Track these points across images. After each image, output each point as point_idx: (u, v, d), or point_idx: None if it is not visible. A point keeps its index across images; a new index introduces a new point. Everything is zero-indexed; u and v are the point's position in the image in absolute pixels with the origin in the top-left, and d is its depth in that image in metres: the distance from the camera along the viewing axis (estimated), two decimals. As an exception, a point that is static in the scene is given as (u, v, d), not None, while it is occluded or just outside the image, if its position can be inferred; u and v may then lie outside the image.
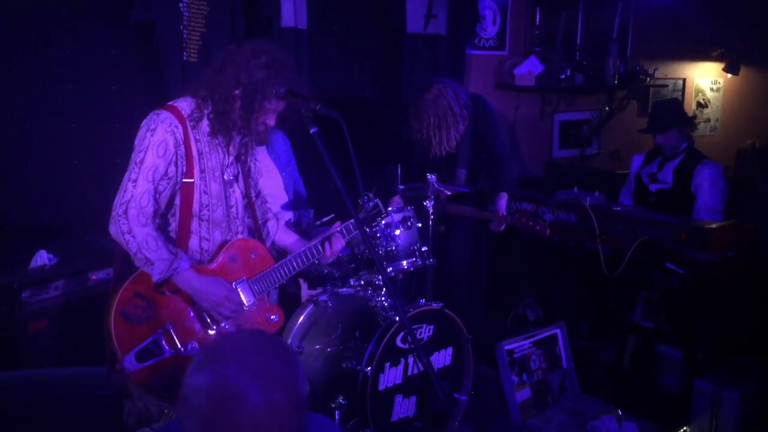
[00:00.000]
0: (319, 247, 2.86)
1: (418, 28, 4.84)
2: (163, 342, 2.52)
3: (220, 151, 2.67)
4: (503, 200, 3.98)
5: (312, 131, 2.52)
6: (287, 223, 3.61)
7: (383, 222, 3.36)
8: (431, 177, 3.64)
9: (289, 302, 3.59)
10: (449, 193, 3.78)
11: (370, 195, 3.00)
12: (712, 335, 3.70)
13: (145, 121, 2.57)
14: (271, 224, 3.00)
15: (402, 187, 3.78)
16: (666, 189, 4.25)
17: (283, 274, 2.80)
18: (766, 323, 3.61)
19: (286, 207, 3.84)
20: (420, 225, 3.53)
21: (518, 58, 5.48)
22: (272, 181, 3.80)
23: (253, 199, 2.88)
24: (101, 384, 1.96)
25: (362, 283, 3.48)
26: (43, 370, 2.16)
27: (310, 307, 3.42)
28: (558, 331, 3.80)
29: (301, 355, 3.27)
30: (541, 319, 4.56)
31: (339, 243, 2.90)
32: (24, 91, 3.46)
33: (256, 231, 2.89)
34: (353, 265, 3.53)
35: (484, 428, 3.47)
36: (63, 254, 3.31)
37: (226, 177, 2.71)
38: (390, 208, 3.46)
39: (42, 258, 3.33)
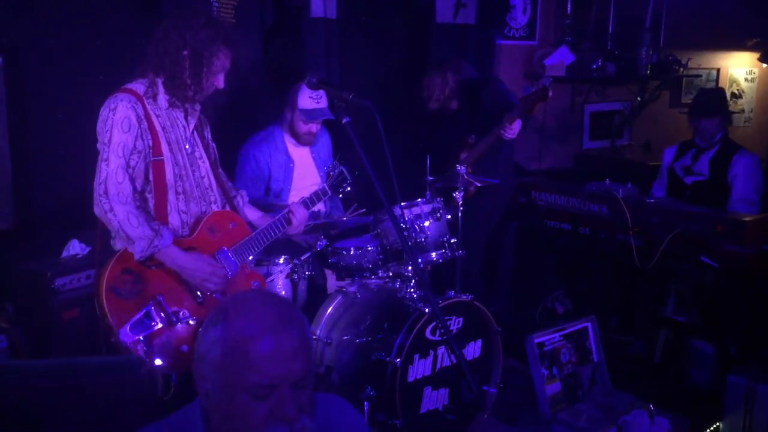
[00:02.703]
0: (287, 216, 3.01)
1: (448, 17, 4.81)
2: (155, 313, 2.60)
3: (179, 124, 2.75)
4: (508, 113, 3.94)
5: (344, 121, 2.51)
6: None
7: (413, 213, 3.36)
8: (461, 168, 3.61)
9: (316, 293, 3.59)
10: (479, 185, 3.74)
11: (336, 163, 3.19)
12: (746, 330, 3.64)
13: (104, 105, 2.65)
14: (237, 200, 3.09)
15: (431, 178, 3.76)
16: (702, 181, 4.18)
17: (260, 242, 2.91)
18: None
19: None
20: (449, 216, 3.51)
21: (548, 48, 5.41)
22: (310, 179, 3.85)
23: (218, 170, 2.98)
24: (134, 371, 1.99)
25: (390, 274, 3.47)
26: (77, 359, 2.19)
27: (338, 298, 3.42)
28: (589, 324, 3.75)
29: (329, 346, 3.27)
30: (570, 312, 4.51)
31: (301, 213, 3.05)
32: (56, 81, 3.49)
33: (228, 202, 2.99)
34: (382, 257, 3.51)
35: (514, 421, 3.44)
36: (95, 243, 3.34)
37: (188, 148, 2.78)
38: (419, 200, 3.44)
39: (74, 247, 3.37)
